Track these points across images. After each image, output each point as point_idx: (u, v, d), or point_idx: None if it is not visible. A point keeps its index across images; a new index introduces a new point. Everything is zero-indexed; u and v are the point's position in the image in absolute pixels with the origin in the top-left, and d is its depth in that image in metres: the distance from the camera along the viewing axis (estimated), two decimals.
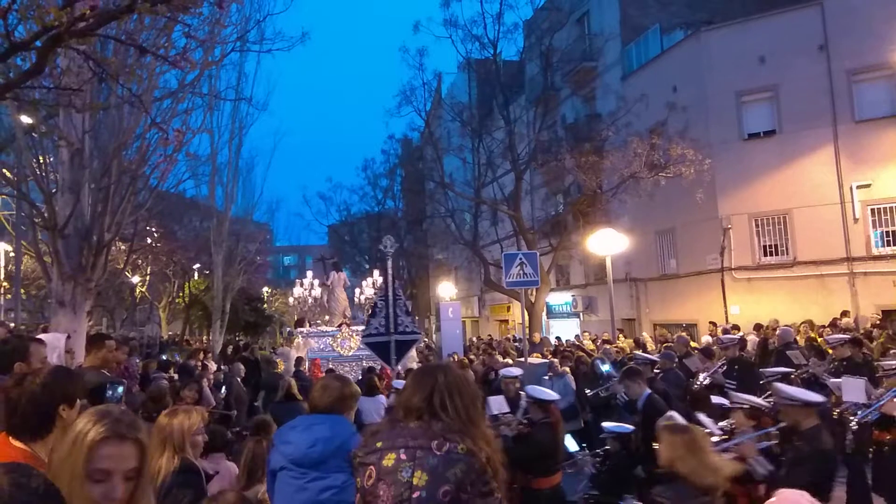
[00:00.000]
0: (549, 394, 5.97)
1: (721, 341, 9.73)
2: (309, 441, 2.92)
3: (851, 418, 5.72)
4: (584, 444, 7.24)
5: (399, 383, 7.90)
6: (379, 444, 2.34)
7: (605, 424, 5.98)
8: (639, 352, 10.82)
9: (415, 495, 2.20)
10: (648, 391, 6.27)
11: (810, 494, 4.00)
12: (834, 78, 18.23)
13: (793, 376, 8.76)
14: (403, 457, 2.27)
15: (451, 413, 2.35)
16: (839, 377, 7.45)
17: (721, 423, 5.15)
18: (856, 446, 5.93)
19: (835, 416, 6.43)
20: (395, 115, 36.03)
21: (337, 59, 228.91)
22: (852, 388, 6.23)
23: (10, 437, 2.40)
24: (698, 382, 8.82)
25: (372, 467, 2.30)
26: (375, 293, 9.92)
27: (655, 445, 5.23)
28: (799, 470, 4.14)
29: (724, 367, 8.56)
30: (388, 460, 2.28)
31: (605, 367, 9.03)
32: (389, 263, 9.38)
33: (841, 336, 9.24)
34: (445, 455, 2.25)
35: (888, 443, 5.43)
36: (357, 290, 21.86)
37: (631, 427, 5.62)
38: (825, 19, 18.36)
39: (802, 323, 14.47)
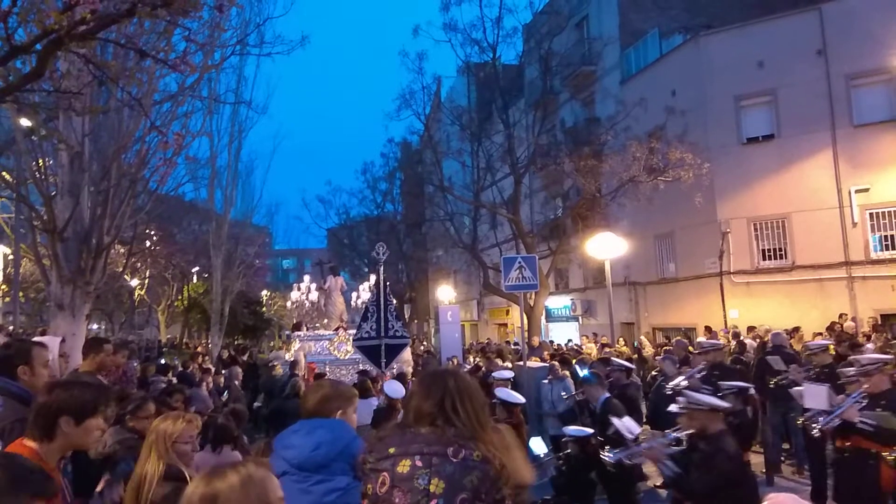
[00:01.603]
0: (516, 396, 6.17)
1: (701, 346, 9.72)
2: (312, 444, 2.89)
3: (814, 426, 5.74)
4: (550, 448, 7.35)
5: (391, 387, 7.90)
6: (392, 451, 2.29)
7: (566, 428, 6.08)
8: (625, 359, 10.78)
9: (432, 503, 2.17)
10: (606, 395, 6.53)
11: (716, 497, 4.16)
12: (832, 82, 18.28)
13: (771, 383, 8.80)
14: (419, 463, 2.23)
15: (462, 418, 2.32)
16: (836, 381, 7.45)
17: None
18: (836, 453, 5.93)
19: (799, 424, 6.50)
20: (395, 119, 36.07)
21: (336, 63, 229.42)
22: (814, 395, 6.26)
23: (26, 438, 2.62)
24: (670, 386, 8.99)
25: (385, 474, 2.25)
26: (368, 298, 10.10)
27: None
28: (703, 473, 4.31)
29: (704, 372, 8.58)
30: (403, 467, 2.23)
31: (584, 373, 9.10)
32: (381, 270, 9.52)
33: (821, 342, 9.17)
34: (462, 462, 2.21)
35: (849, 449, 5.43)
36: (354, 294, 21.86)
37: (590, 430, 5.69)
38: (823, 24, 18.42)
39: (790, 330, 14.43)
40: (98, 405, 2.76)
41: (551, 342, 20.90)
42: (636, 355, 15.48)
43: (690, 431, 4.71)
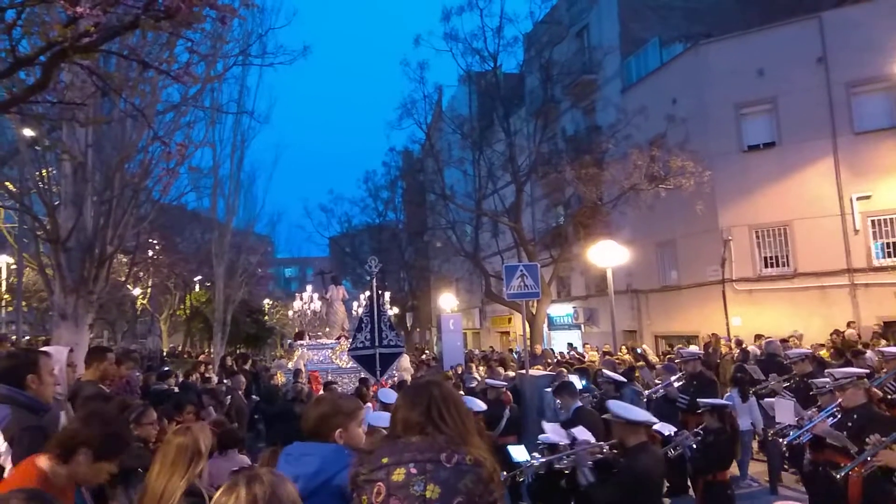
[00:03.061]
0: (478, 404, 6.55)
1: (681, 355, 9.69)
2: (292, 475, 2.61)
3: (781, 440, 5.68)
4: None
5: (386, 394, 7.99)
6: (385, 461, 2.32)
7: (542, 437, 6.13)
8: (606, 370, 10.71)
9: None
10: (578, 403, 6.75)
11: None
12: (833, 90, 18.31)
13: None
14: (413, 471, 2.27)
15: (450, 425, 2.37)
16: (800, 394, 7.39)
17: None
18: (810, 465, 5.88)
19: (769, 437, 6.43)
20: (397, 128, 36.17)
21: (338, 72, 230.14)
22: (782, 409, 6.23)
23: (40, 456, 2.66)
24: (646, 394, 9.18)
25: (380, 483, 2.29)
26: (362, 310, 10.49)
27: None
28: (610, 485, 4.40)
29: (683, 382, 8.56)
30: (398, 475, 2.27)
31: (582, 383, 9.19)
32: (374, 282, 9.95)
33: (802, 350, 9.12)
34: (455, 467, 2.27)
35: (822, 463, 5.30)
36: (355, 303, 21.89)
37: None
38: (824, 32, 18.47)
39: (789, 337, 14.37)
40: (119, 455, 2.77)
41: (551, 350, 20.86)
42: (641, 362, 15.45)
43: (613, 441, 4.78)
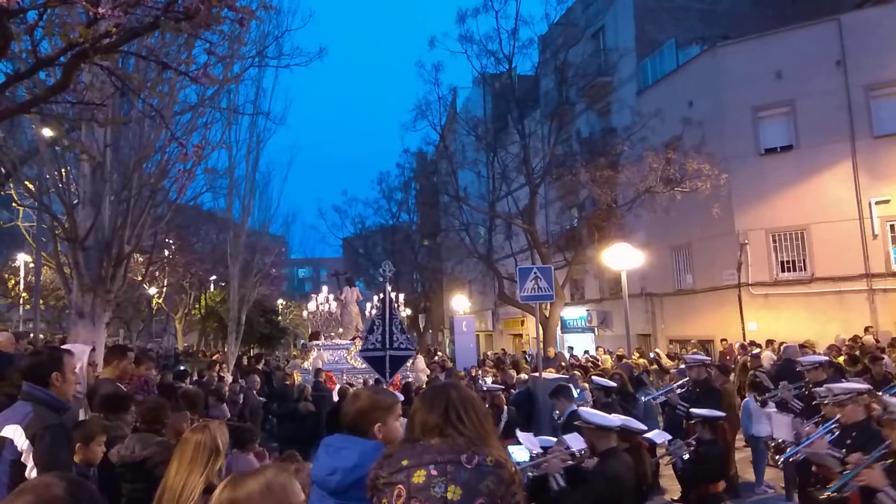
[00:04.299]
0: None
1: (685, 361, 9.56)
2: (329, 468, 2.72)
3: (779, 456, 5.57)
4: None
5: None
6: (404, 463, 2.32)
7: (539, 438, 6.15)
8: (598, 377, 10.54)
9: None
10: (573, 407, 6.76)
11: None
12: (851, 93, 18.13)
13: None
14: (434, 472, 2.27)
15: (468, 426, 2.37)
16: (812, 402, 7.25)
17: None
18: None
19: (770, 451, 6.32)
20: (411, 130, 35.95)
21: (353, 74, 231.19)
22: (779, 425, 6.09)
23: None
24: (645, 399, 9.23)
25: (401, 486, 2.28)
26: (374, 312, 10.66)
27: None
28: (581, 490, 4.42)
29: (686, 388, 8.47)
30: (418, 477, 2.27)
31: (576, 392, 9.19)
32: (387, 286, 10.13)
33: (816, 358, 8.94)
34: (476, 468, 2.26)
35: (822, 480, 5.14)
36: (369, 305, 21.94)
37: (554, 439, 5.74)
38: (842, 35, 18.30)
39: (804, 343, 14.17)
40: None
41: (563, 353, 20.78)
42: (655, 366, 15.37)
43: (582, 447, 4.80)
